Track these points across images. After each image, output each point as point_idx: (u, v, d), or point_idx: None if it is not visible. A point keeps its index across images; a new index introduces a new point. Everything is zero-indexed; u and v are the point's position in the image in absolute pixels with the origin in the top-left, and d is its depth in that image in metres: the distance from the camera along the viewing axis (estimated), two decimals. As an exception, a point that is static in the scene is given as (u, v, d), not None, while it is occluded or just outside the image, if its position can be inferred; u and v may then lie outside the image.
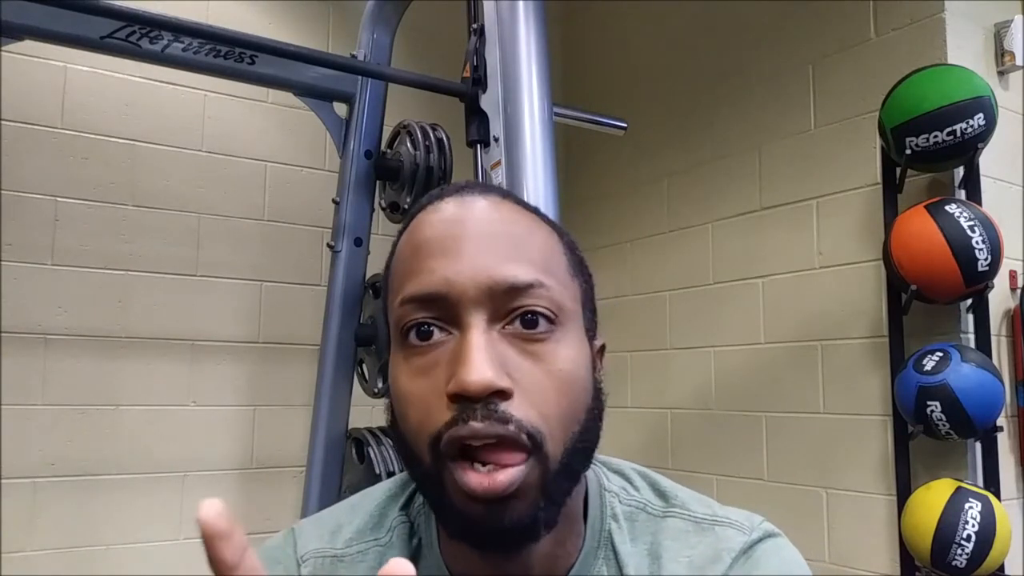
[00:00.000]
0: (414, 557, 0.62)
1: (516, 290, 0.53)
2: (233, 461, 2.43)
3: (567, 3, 3.27)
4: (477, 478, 0.50)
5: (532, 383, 0.52)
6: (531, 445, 0.51)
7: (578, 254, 0.62)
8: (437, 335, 0.53)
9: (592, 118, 2.46)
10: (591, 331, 0.60)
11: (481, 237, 0.55)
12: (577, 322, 0.58)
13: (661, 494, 0.65)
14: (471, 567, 0.59)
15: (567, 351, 0.55)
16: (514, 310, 0.53)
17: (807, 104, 2.34)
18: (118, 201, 2.33)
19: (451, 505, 0.52)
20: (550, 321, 0.54)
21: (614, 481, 0.65)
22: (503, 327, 0.53)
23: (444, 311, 0.53)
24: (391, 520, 0.65)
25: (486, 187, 0.60)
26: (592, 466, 0.64)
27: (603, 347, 0.62)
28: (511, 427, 0.50)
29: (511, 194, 0.61)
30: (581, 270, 0.61)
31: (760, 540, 0.61)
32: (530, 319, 0.53)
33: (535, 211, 0.61)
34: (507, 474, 0.50)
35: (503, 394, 0.51)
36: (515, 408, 0.51)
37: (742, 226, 2.52)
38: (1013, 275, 2.04)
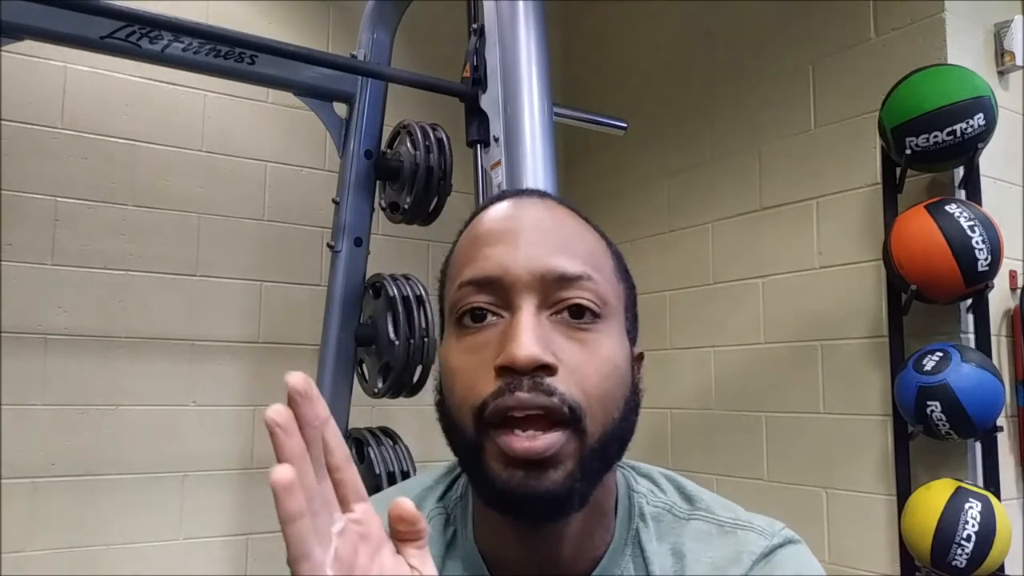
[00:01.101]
0: (449, 545, 0.65)
1: (565, 280, 0.57)
2: (233, 461, 2.43)
3: (567, 3, 3.27)
4: (518, 441, 0.53)
5: (576, 363, 0.55)
6: (571, 418, 0.54)
7: (623, 263, 0.66)
8: (490, 318, 0.57)
9: (592, 118, 2.46)
10: (632, 333, 0.64)
11: (536, 231, 0.59)
12: (619, 320, 0.61)
13: (687, 497, 0.67)
14: (504, 551, 0.62)
15: (609, 341, 0.58)
16: (562, 299, 0.57)
17: (807, 104, 2.34)
18: (118, 201, 2.33)
19: (489, 470, 0.54)
20: (595, 313, 0.58)
21: (642, 483, 0.68)
22: (551, 314, 0.57)
23: (498, 295, 0.57)
24: (427, 512, 0.67)
25: (543, 192, 0.66)
26: (622, 469, 0.67)
27: (642, 355, 0.65)
28: (555, 399, 0.53)
29: (565, 201, 0.66)
30: (625, 276, 0.65)
31: (781, 546, 0.63)
32: (576, 309, 0.57)
33: (586, 219, 0.65)
34: (547, 438, 0.53)
35: (548, 369, 0.54)
36: (559, 382, 0.54)
37: (742, 226, 2.52)
38: (1013, 275, 2.04)
